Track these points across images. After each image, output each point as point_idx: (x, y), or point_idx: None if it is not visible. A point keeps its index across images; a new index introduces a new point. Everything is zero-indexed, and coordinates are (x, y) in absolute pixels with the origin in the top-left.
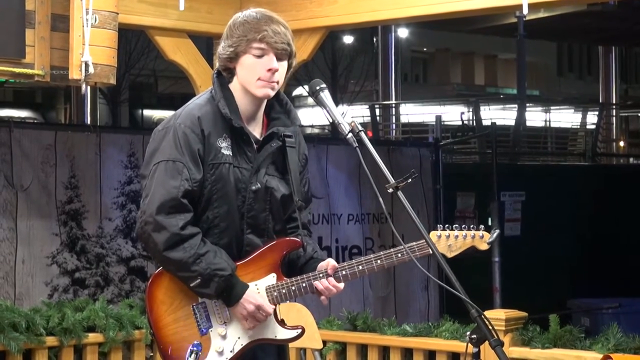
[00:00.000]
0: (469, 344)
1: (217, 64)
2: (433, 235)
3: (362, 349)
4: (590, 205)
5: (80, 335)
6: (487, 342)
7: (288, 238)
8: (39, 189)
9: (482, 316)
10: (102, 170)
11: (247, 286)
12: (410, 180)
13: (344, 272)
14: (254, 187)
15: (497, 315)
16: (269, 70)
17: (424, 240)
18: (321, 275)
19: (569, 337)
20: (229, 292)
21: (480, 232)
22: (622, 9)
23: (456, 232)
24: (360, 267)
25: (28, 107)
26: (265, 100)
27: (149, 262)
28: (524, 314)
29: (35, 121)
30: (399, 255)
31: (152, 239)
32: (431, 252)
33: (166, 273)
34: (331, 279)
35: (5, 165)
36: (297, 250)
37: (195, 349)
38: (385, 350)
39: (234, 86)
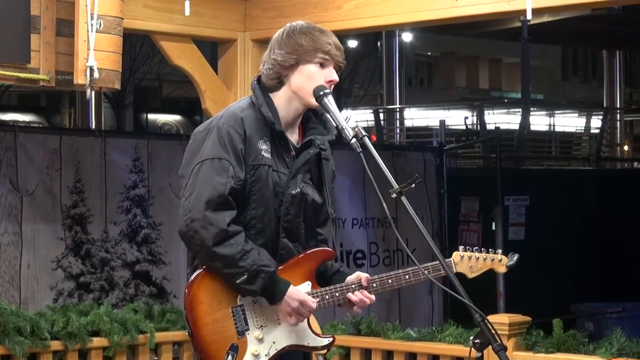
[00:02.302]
0: (473, 349)
1: (263, 70)
2: (456, 255)
3: (366, 353)
4: (594, 209)
5: (84, 339)
6: (490, 347)
7: (324, 248)
8: (44, 194)
9: (486, 321)
10: (107, 174)
11: (289, 283)
12: (413, 185)
13: (374, 285)
14: (293, 192)
15: (500, 320)
16: (329, 81)
17: (450, 259)
18: (354, 286)
19: (573, 341)
20: (272, 289)
21: (499, 256)
22: (627, 14)
23: (477, 254)
24: (390, 281)
25: (33, 112)
26: (305, 111)
27: (154, 267)
28: (528, 318)
29: (40, 125)
30: (426, 272)
31: (199, 235)
32: (454, 270)
33: (207, 274)
34: (364, 291)
35: (10, 170)
36: (330, 260)
37: (232, 351)
38: (389, 355)
39: (279, 94)
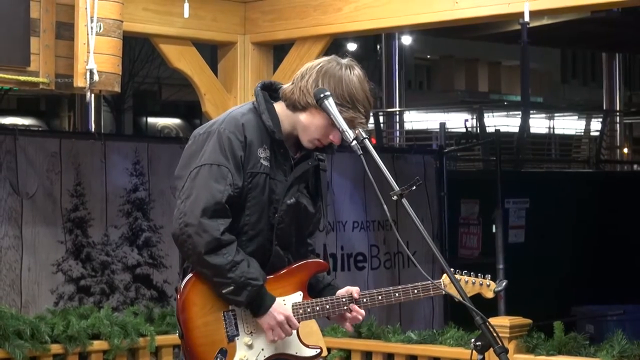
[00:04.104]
0: (474, 351)
1: (296, 86)
2: (446, 277)
3: (367, 356)
4: (595, 212)
5: (85, 342)
6: (491, 349)
7: (317, 260)
8: (44, 197)
9: (487, 323)
10: (107, 177)
11: (275, 298)
12: (414, 187)
13: (364, 300)
14: (289, 201)
15: (501, 322)
16: (333, 141)
17: (439, 280)
18: (345, 300)
19: (574, 344)
20: (258, 302)
21: (488, 281)
22: (626, 16)
23: (466, 278)
24: (380, 297)
25: (32, 115)
26: None
27: (155, 270)
28: (529, 321)
29: (40, 129)
30: (415, 291)
31: (191, 240)
32: (444, 293)
33: (201, 276)
34: (355, 306)
35: (10, 173)
36: (322, 272)
37: (221, 355)
38: (389, 358)
39: (282, 106)
